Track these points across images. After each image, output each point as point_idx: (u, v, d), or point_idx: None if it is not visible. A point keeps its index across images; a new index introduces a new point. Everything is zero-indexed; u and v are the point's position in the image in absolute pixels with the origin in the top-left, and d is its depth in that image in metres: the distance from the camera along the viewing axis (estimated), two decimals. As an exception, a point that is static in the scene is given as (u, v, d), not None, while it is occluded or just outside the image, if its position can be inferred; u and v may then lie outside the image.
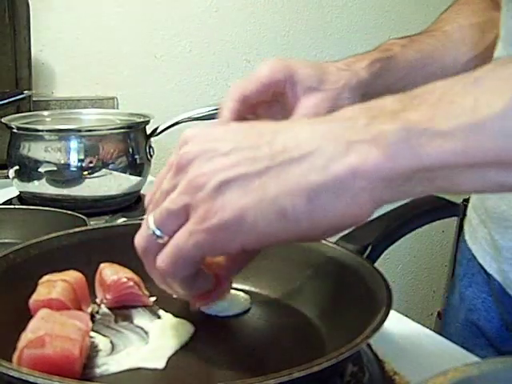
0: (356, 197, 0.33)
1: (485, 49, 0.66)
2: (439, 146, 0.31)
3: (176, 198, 0.37)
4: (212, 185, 0.35)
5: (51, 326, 0.40)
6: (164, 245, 0.38)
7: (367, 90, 0.55)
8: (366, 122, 0.33)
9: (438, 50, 0.63)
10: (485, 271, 0.66)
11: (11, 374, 0.33)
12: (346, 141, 0.33)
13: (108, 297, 0.51)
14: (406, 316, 0.59)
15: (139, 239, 0.40)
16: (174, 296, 0.45)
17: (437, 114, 0.31)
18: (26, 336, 0.39)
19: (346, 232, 0.54)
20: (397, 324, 0.54)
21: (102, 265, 0.52)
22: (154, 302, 0.53)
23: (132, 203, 0.97)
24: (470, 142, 0.30)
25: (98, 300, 0.53)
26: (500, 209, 0.61)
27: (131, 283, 0.51)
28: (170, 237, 0.38)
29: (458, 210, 0.62)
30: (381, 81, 0.57)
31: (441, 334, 0.56)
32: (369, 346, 0.47)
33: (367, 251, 0.51)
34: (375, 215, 0.56)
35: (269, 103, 0.54)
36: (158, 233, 0.38)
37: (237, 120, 0.51)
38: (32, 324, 0.41)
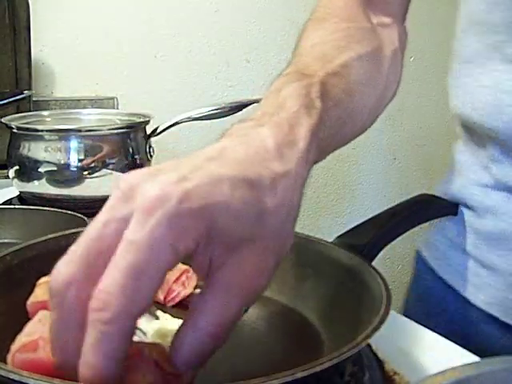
0: None
1: (384, 86, 0.58)
2: None
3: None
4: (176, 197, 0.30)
5: (47, 329, 0.40)
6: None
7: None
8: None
9: (349, 97, 0.50)
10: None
11: (11, 377, 0.33)
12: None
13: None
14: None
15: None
16: None
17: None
18: (20, 339, 0.39)
19: (343, 231, 0.54)
20: (397, 324, 0.54)
21: None
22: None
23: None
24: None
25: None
26: (499, 227, 0.58)
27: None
28: None
29: (456, 209, 0.62)
30: (322, 151, 0.44)
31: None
32: (369, 345, 0.47)
33: (364, 250, 0.51)
34: (372, 214, 0.56)
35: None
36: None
37: None
38: (28, 327, 0.40)
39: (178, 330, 0.33)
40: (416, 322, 0.57)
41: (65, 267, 0.31)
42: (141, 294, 0.30)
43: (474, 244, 0.61)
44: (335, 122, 0.47)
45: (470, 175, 0.62)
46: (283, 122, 0.39)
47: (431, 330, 0.55)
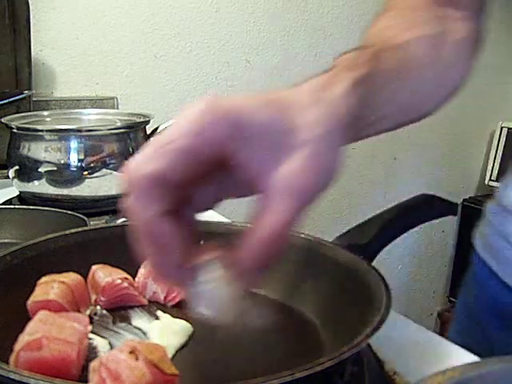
0: None
1: (444, 69, 0.57)
2: None
3: None
4: None
5: (49, 328, 0.40)
6: None
7: (354, 127, 0.40)
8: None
9: (403, 73, 0.50)
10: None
11: (11, 377, 0.33)
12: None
13: (102, 298, 0.51)
14: (406, 316, 0.59)
15: None
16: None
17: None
18: (23, 338, 0.39)
19: (343, 231, 0.54)
20: (397, 324, 0.54)
21: (93, 267, 0.52)
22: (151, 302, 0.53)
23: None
24: None
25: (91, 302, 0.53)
26: None
27: (125, 284, 0.51)
28: None
29: (455, 210, 0.62)
30: (363, 112, 0.42)
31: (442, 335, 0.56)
32: (369, 345, 0.47)
33: (364, 250, 0.50)
34: (371, 214, 0.56)
35: (204, 180, 0.37)
36: None
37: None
38: (30, 326, 0.40)
39: (247, 233, 0.35)
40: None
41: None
42: (158, 159, 0.33)
43: None
44: (387, 85, 0.47)
45: None
46: (324, 76, 0.40)
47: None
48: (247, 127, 0.34)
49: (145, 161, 0.33)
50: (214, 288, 0.37)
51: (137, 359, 0.35)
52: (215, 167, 0.35)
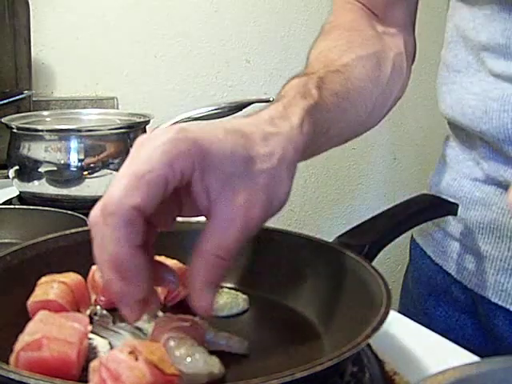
0: None
1: (386, 84, 0.61)
2: None
3: None
4: None
5: (49, 328, 0.40)
6: None
7: (302, 155, 0.44)
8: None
9: (349, 92, 0.53)
10: (459, 288, 0.66)
11: (11, 377, 0.33)
12: None
13: (102, 298, 0.51)
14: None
15: None
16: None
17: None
18: (23, 338, 0.39)
19: (343, 231, 0.54)
20: (397, 324, 0.54)
21: (93, 267, 0.52)
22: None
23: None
24: None
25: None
26: (487, 218, 0.62)
27: (125, 284, 0.51)
28: None
29: (455, 210, 0.62)
30: (312, 140, 0.45)
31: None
32: (369, 345, 0.47)
33: (364, 250, 0.50)
34: (371, 215, 0.56)
35: (170, 202, 0.39)
36: None
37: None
38: (29, 326, 0.40)
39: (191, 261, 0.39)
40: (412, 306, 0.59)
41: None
42: (138, 191, 0.35)
43: (463, 233, 0.65)
44: (334, 108, 0.50)
45: (461, 169, 0.66)
46: (279, 105, 0.44)
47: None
48: (212, 156, 0.37)
49: (125, 194, 0.35)
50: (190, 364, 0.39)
51: (136, 359, 0.35)
52: (176, 192, 0.38)
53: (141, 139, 0.39)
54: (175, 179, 0.36)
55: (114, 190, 0.35)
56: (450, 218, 0.66)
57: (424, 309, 0.71)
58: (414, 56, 0.70)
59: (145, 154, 0.36)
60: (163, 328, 0.42)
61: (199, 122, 0.40)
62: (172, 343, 0.40)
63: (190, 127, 0.38)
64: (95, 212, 0.36)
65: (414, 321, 0.59)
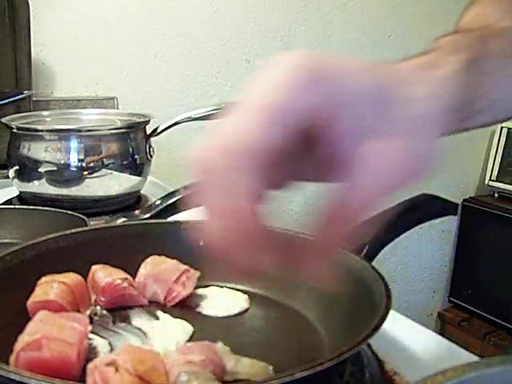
0: None
1: None
2: None
3: None
4: None
5: (49, 328, 0.40)
6: None
7: (456, 116, 0.36)
8: None
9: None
10: None
11: (12, 377, 0.33)
12: None
13: (102, 299, 0.51)
14: (406, 316, 0.59)
15: None
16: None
17: None
18: (23, 339, 0.39)
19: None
20: (397, 324, 0.54)
21: (93, 267, 0.52)
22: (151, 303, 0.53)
23: (132, 203, 0.97)
24: None
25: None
26: None
27: (125, 284, 0.51)
28: None
29: (455, 209, 0.62)
30: (467, 99, 0.37)
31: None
32: (369, 345, 0.47)
33: (364, 250, 0.50)
34: (372, 214, 0.56)
35: (291, 156, 0.32)
36: None
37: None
38: (29, 326, 0.40)
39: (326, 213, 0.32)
40: None
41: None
42: (277, 127, 0.28)
43: None
44: (491, 73, 0.41)
45: None
46: (424, 57, 0.36)
47: None
48: (349, 92, 0.30)
49: (245, 130, 0.28)
50: None
51: (117, 371, 0.35)
52: (300, 142, 0.30)
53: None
54: (305, 115, 0.29)
55: (243, 128, 0.28)
56: None
57: None
58: None
59: (265, 84, 0.28)
60: (175, 361, 0.39)
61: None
62: (184, 378, 0.37)
63: (317, 55, 0.29)
64: (211, 153, 0.28)
65: None
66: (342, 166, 0.31)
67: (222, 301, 0.51)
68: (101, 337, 0.47)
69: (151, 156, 0.98)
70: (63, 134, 0.89)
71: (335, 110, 0.29)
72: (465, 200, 2.15)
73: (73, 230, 0.55)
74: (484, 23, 0.47)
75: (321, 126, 0.29)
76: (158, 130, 0.97)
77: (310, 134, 0.30)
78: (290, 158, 0.32)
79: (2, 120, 0.93)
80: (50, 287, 0.47)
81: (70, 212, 0.75)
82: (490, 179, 2.13)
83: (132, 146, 0.93)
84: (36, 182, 0.90)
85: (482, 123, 0.44)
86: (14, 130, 0.91)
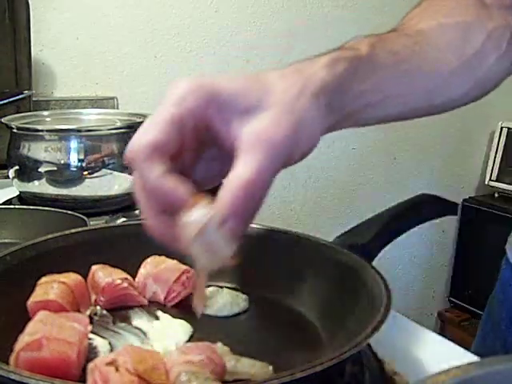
0: None
1: (472, 55, 0.53)
2: None
3: None
4: None
5: (49, 328, 0.40)
6: None
7: (333, 99, 0.41)
8: None
9: (415, 54, 0.48)
10: None
11: (12, 377, 0.33)
12: None
13: (102, 299, 0.51)
14: (406, 316, 0.59)
15: None
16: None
17: None
18: (23, 338, 0.39)
19: (343, 231, 0.54)
20: (397, 324, 0.54)
21: (93, 267, 0.52)
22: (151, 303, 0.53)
23: (132, 203, 0.97)
24: None
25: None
26: None
27: (125, 284, 0.51)
28: None
29: (455, 209, 0.62)
30: (347, 86, 0.42)
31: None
32: (369, 345, 0.47)
33: (364, 250, 0.50)
34: (372, 214, 0.56)
35: (195, 150, 0.40)
36: None
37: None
38: (30, 326, 0.40)
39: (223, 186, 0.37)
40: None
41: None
42: (151, 130, 0.39)
43: None
44: (392, 67, 0.47)
45: None
46: (312, 57, 0.43)
47: None
48: (222, 94, 0.38)
49: (142, 133, 0.38)
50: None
51: (117, 370, 0.35)
52: (204, 141, 0.39)
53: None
54: (189, 117, 0.38)
55: (135, 134, 0.39)
56: None
57: (504, 336, 0.66)
58: None
59: (163, 100, 0.40)
60: (175, 361, 0.39)
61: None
62: (184, 378, 0.38)
63: (203, 76, 0.39)
64: (128, 151, 0.38)
65: (492, 349, 0.55)
66: (230, 153, 0.37)
67: (222, 301, 0.51)
68: (101, 337, 0.47)
69: (151, 156, 0.98)
70: (63, 134, 0.89)
71: (214, 109, 0.38)
72: (465, 200, 2.15)
73: (73, 230, 0.55)
74: (402, 26, 0.52)
75: (207, 125, 0.38)
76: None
77: (204, 133, 0.38)
78: (195, 151, 0.40)
79: (2, 120, 0.93)
80: (50, 287, 0.47)
81: (70, 212, 0.75)
82: (489, 179, 2.13)
83: (132, 146, 0.93)
84: (36, 182, 0.89)
85: (375, 117, 0.48)
86: (14, 130, 0.91)
